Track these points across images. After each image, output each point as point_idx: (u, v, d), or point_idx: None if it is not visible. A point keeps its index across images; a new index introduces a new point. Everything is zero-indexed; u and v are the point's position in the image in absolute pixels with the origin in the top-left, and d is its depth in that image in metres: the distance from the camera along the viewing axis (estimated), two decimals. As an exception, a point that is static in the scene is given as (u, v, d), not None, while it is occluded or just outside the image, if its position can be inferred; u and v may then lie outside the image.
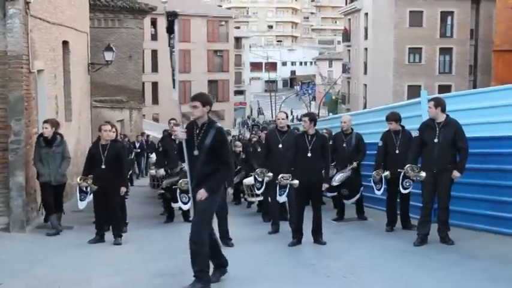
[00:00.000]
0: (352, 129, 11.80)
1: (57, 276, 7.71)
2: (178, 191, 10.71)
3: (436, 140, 8.76)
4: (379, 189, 10.48)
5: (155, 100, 57.54)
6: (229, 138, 16.87)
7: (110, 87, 25.53)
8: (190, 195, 10.47)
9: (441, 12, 47.05)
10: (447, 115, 8.85)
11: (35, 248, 9.73)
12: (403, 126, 10.36)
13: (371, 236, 10.19)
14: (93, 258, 9.04)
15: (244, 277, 7.58)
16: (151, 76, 54.88)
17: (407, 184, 9.57)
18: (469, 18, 47.23)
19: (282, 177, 9.55)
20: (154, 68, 56.99)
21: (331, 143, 12.21)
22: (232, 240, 9.71)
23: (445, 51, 47.65)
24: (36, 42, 11.85)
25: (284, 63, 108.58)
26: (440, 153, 8.72)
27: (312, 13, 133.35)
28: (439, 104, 8.83)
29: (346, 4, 61.95)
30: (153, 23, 54.58)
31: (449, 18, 47.41)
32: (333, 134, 12.52)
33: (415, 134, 9.45)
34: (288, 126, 11.01)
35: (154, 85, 56.97)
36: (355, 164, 11.49)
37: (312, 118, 9.65)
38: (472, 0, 47.08)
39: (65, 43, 14.96)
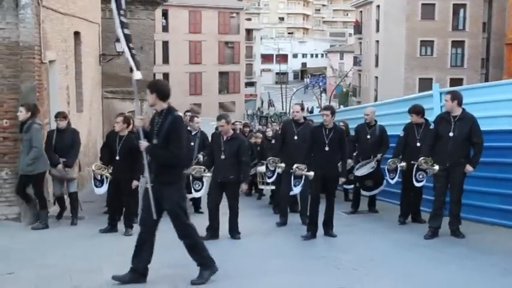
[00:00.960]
0: (375, 121, 11.77)
1: (68, 265, 7.72)
2: (191, 177, 10.67)
3: (451, 134, 8.73)
4: (392, 178, 10.49)
5: (166, 91, 57.76)
6: (247, 130, 16.88)
7: (121, 78, 25.54)
8: (204, 180, 10.47)
9: (453, 4, 47.01)
10: (463, 109, 8.80)
11: (46, 237, 9.78)
12: (426, 120, 10.22)
13: (382, 229, 10.22)
14: (104, 248, 9.07)
15: (254, 268, 7.63)
16: (162, 67, 55.13)
17: (420, 177, 9.54)
18: (482, 11, 47.12)
19: (297, 167, 9.48)
20: (165, 59, 57.22)
21: (352, 134, 12.18)
22: (242, 232, 9.69)
23: (457, 44, 47.61)
24: (48, 32, 11.89)
25: (295, 55, 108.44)
26: (454, 147, 8.70)
27: (324, 5, 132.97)
28: (456, 97, 8.79)
29: (358, -4, 61.82)
30: (164, 15, 54.78)
31: (461, 11, 47.30)
32: (356, 125, 12.33)
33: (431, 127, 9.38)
34: (305, 118, 10.97)
35: (165, 76, 57.10)
36: (379, 156, 11.47)
37: (334, 111, 9.55)
38: (485, -7, 47.01)
39: (77, 34, 15.01)
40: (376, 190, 11.80)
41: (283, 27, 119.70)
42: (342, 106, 58.77)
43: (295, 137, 10.47)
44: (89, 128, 16.51)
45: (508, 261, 7.57)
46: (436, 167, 8.85)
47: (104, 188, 10.35)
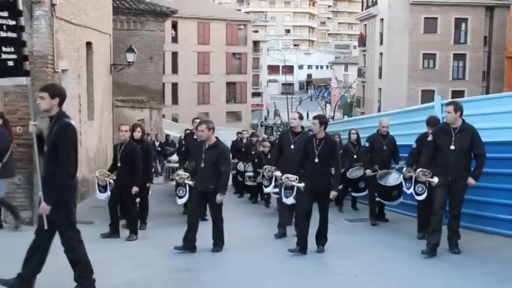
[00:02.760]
0: (388, 132, 11.71)
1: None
2: (175, 183, 10.56)
3: (452, 147, 8.28)
4: (408, 188, 9.63)
5: (175, 100, 57.94)
6: (254, 139, 16.58)
7: (131, 87, 25.82)
8: (187, 188, 10.04)
9: (455, 18, 47.32)
10: (463, 120, 8.41)
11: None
12: None
13: (384, 237, 10.29)
14: (112, 253, 9.11)
15: (257, 273, 7.76)
16: (171, 77, 55.35)
17: (420, 190, 9.03)
18: (483, 25, 47.63)
19: (287, 177, 9.07)
20: (174, 70, 57.44)
21: (367, 144, 11.88)
22: (248, 239, 9.80)
23: (459, 57, 47.90)
24: (61, 43, 12.11)
25: (301, 67, 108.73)
26: (456, 160, 8.28)
27: (329, 18, 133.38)
28: (459, 108, 8.36)
29: (362, 10, 61.98)
30: (174, 26, 55.15)
31: (463, 24, 47.61)
32: (368, 135, 12.17)
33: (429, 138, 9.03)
34: (302, 127, 10.61)
35: (174, 86, 57.45)
36: (401, 163, 11.09)
37: (323, 121, 8.92)
38: (486, 7, 47.53)
39: (89, 44, 15.26)
40: (398, 200, 11.45)
41: (289, 39, 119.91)
42: (346, 116, 59.01)
43: (292, 147, 10.07)
44: (99, 135, 16.77)
45: (508, 270, 7.64)
46: (435, 179, 8.39)
47: (105, 194, 10.46)
